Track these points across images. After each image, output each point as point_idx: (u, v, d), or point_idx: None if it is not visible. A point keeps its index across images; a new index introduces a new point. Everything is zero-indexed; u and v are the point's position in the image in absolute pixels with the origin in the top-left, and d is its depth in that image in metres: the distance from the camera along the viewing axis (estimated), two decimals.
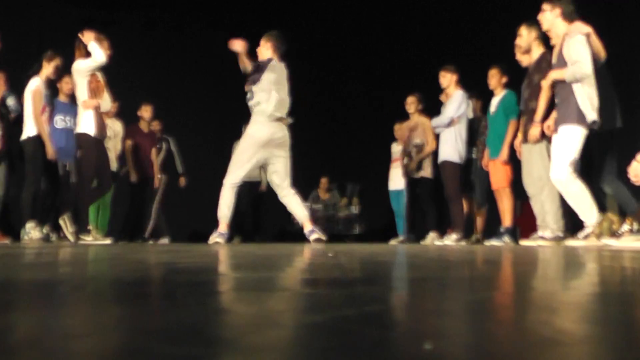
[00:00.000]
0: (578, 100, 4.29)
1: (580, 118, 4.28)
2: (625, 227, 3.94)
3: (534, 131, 4.90)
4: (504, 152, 5.52)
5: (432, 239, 6.30)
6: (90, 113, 5.29)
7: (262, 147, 5.17)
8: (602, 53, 4.46)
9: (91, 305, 0.73)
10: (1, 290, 0.91)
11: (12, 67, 5.77)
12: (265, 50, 5.33)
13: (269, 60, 5.25)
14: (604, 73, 4.50)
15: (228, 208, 5.15)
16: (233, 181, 5.20)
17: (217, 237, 5.05)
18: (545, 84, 4.58)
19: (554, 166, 4.39)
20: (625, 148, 4.29)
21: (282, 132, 5.21)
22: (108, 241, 5.30)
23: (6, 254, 2.58)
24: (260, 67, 5.21)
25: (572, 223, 4.70)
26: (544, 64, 4.85)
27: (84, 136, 5.31)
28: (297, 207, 5.27)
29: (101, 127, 5.41)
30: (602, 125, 4.36)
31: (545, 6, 4.58)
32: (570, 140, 4.31)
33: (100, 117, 5.39)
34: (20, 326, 0.54)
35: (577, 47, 4.30)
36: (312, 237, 5.08)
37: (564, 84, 4.39)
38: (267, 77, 5.17)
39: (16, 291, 0.90)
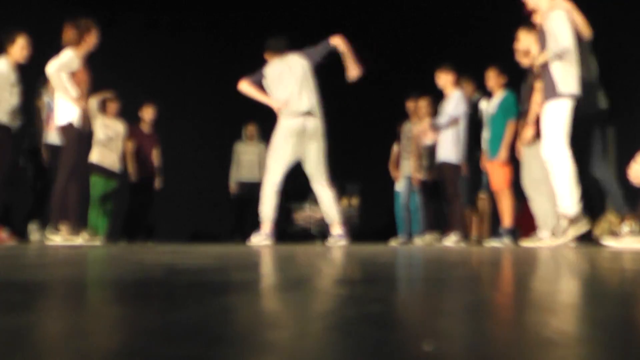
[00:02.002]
0: (555, 74, 4.28)
1: (561, 91, 4.26)
2: (625, 228, 3.94)
3: (527, 133, 4.92)
4: (503, 153, 5.52)
5: (431, 239, 6.32)
6: (72, 105, 5.11)
7: (291, 139, 5.32)
8: (585, 31, 4.46)
9: (90, 306, 0.73)
10: (1, 291, 0.91)
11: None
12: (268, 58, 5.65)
13: (263, 67, 5.56)
14: (587, 53, 4.50)
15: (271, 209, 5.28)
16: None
17: (264, 239, 5.17)
18: (536, 66, 4.55)
19: (544, 143, 4.34)
20: (625, 148, 4.29)
21: (307, 124, 5.35)
22: (80, 241, 5.08)
23: (6, 254, 2.58)
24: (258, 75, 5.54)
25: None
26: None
27: (68, 127, 5.12)
28: (327, 205, 5.43)
29: (84, 119, 5.21)
30: (583, 109, 4.34)
31: None
32: (555, 115, 4.27)
33: (82, 107, 5.20)
34: (20, 326, 0.54)
35: (555, 22, 4.31)
36: (334, 242, 5.16)
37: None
38: (265, 80, 5.49)
39: (16, 291, 0.90)
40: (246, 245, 4.94)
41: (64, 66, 5.06)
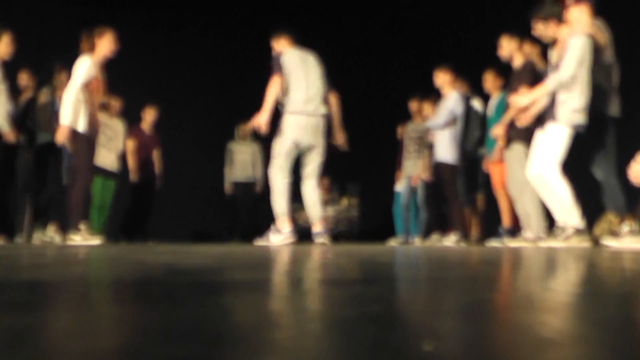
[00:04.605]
0: (564, 104, 4.34)
1: (564, 120, 4.32)
2: (625, 228, 3.94)
3: (496, 130, 4.99)
4: (496, 154, 5.55)
5: (435, 240, 6.31)
6: (81, 108, 5.04)
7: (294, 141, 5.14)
8: (602, 40, 4.48)
9: (91, 306, 0.73)
10: (1, 291, 0.91)
11: (12, 68, 5.77)
12: (279, 46, 5.32)
13: (279, 55, 5.23)
14: (602, 60, 4.53)
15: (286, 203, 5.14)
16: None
17: (287, 238, 5.05)
18: (525, 99, 4.57)
19: (534, 161, 4.40)
20: (625, 148, 4.30)
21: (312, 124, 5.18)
22: (98, 241, 5.06)
23: (7, 255, 2.58)
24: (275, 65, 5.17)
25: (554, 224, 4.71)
26: (524, 73, 4.94)
27: (74, 133, 5.06)
28: (313, 204, 5.30)
29: (92, 124, 5.15)
30: (592, 110, 4.40)
31: (537, 25, 4.60)
32: (555, 139, 4.34)
33: (91, 114, 5.15)
34: (20, 326, 0.54)
35: (569, 51, 4.33)
36: (318, 239, 5.14)
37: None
38: (285, 70, 5.15)
39: (16, 292, 0.90)
40: (258, 245, 4.87)
41: (83, 79, 5.04)
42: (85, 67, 5.05)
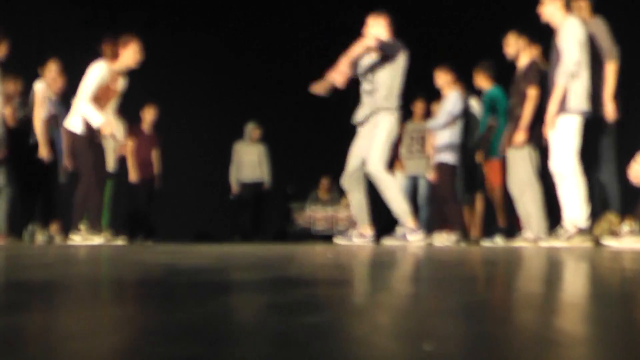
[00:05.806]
0: (570, 91, 4.32)
1: (573, 107, 4.31)
2: (625, 228, 3.94)
3: (519, 137, 4.93)
4: (479, 152, 5.57)
5: (437, 239, 6.31)
6: (81, 111, 4.86)
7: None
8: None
9: (91, 306, 0.73)
10: (2, 291, 0.91)
11: (12, 68, 5.76)
12: (381, 29, 5.42)
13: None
14: (601, 62, 4.53)
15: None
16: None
17: (416, 236, 5.03)
18: (551, 119, 4.50)
19: (555, 158, 4.37)
20: (625, 148, 4.30)
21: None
22: (98, 241, 4.94)
23: (8, 255, 2.58)
24: (394, 48, 5.20)
25: (554, 225, 4.69)
26: (532, 73, 4.90)
27: (73, 135, 4.95)
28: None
29: (89, 126, 4.89)
30: (592, 111, 4.40)
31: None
32: (566, 130, 4.31)
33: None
34: (20, 326, 0.54)
35: (563, 40, 4.34)
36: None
37: (554, 75, 4.42)
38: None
39: (16, 292, 0.90)
40: (387, 244, 4.85)
41: (94, 87, 4.82)
42: (98, 75, 4.84)
